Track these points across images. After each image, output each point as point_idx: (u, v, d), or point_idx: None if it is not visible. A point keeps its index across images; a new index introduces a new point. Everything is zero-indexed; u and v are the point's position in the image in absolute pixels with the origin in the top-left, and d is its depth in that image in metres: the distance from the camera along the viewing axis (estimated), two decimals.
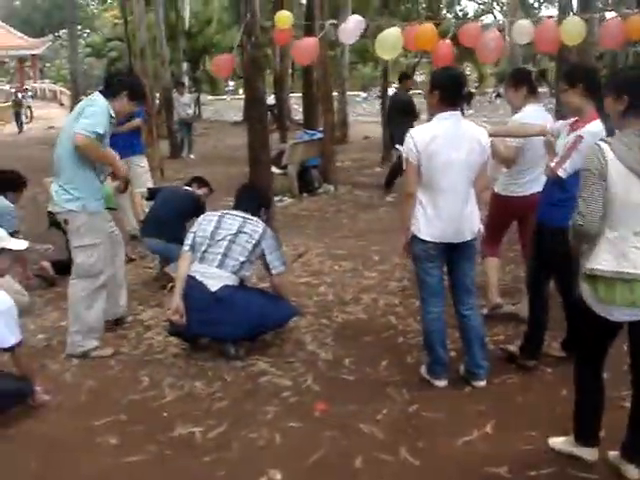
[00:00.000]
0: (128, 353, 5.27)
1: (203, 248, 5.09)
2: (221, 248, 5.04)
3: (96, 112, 4.93)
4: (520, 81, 5.43)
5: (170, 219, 6.64)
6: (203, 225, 5.22)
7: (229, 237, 5.07)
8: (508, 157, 5.28)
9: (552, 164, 4.27)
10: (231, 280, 5.03)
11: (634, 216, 3.15)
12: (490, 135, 4.59)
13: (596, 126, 4.24)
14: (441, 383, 4.53)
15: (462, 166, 4.26)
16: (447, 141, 4.21)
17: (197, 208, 6.64)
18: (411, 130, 4.38)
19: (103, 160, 5.07)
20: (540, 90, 5.67)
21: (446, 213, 4.28)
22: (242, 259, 5.05)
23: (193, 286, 4.99)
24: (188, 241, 5.17)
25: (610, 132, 4.27)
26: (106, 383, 4.76)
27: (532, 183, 5.18)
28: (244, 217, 5.20)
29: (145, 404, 4.45)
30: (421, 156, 4.21)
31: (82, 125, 4.83)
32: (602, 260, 3.18)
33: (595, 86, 4.35)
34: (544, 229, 4.52)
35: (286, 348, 5.25)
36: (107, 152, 5.08)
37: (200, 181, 7.24)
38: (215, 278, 4.99)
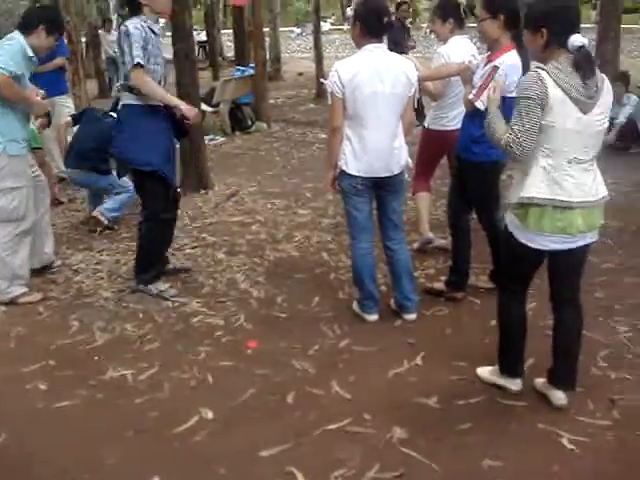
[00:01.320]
0: (57, 298, 5.18)
1: None
2: None
3: (10, 50, 4.73)
4: (448, 13, 5.37)
5: (90, 149, 6.49)
6: None
7: None
8: (435, 91, 5.28)
9: (470, 96, 4.28)
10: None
11: (569, 144, 3.14)
12: (421, 79, 4.59)
13: (512, 56, 4.26)
14: (372, 317, 4.58)
15: (388, 99, 4.21)
16: (372, 73, 4.15)
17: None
18: (336, 63, 4.32)
19: (19, 99, 4.86)
20: (467, 23, 5.63)
21: (373, 147, 4.25)
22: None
23: None
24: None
25: (525, 64, 4.31)
26: (35, 329, 4.67)
27: (459, 117, 5.20)
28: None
29: (75, 348, 4.39)
30: (345, 89, 4.15)
31: None
32: (536, 188, 3.18)
33: (515, 18, 4.33)
34: (464, 164, 4.56)
35: (218, 288, 5.23)
36: (22, 91, 4.87)
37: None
38: None
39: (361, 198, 4.39)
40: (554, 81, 3.07)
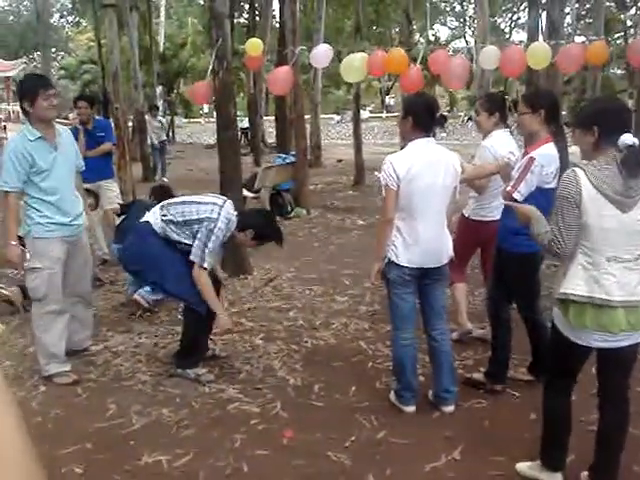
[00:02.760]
0: (96, 380, 5.22)
1: None
2: None
3: (4, 160, 4.96)
4: (495, 107, 5.42)
5: None
6: None
7: None
8: (480, 185, 5.33)
9: (508, 188, 4.33)
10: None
11: (607, 242, 3.15)
12: (465, 180, 4.67)
13: (549, 148, 4.33)
14: (410, 409, 4.53)
15: (440, 191, 4.29)
16: (425, 167, 4.23)
17: None
18: (389, 156, 4.38)
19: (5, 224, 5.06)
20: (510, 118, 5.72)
21: (424, 238, 4.29)
22: (178, 219, 5.04)
23: None
24: None
25: (562, 157, 4.37)
26: (73, 411, 4.71)
27: (500, 208, 5.24)
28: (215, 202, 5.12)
29: (112, 432, 4.40)
30: (401, 182, 4.22)
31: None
32: (575, 285, 3.19)
33: (555, 113, 4.43)
34: (504, 255, 4.58)
35: (255, 374, 5.22)
36: (12, 216, 5.04)
37: (162, 189, 7.27)
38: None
39: (408, 289, 4.41)
40: (589, 180, 3.10)
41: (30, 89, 4.98)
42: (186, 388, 4.97)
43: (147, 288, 6.65)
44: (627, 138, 3.10)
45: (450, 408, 4.54)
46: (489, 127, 5.44)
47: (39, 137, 4.98)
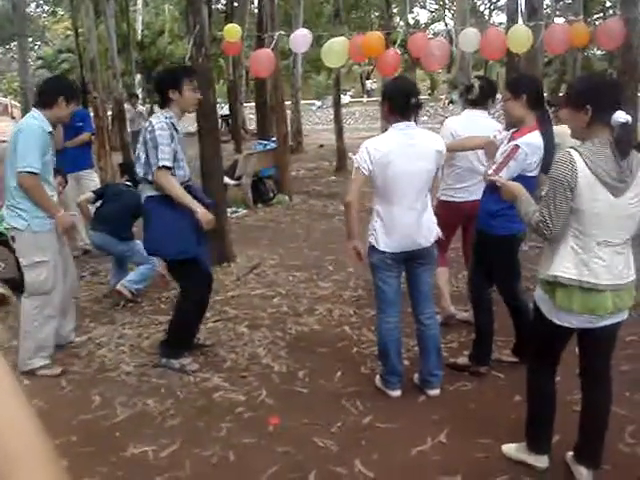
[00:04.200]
0: (79, 372, 5.18)
1: None
2: None
3: (28, 144, 4.87)
4: (462, 93, 5.55)
5: (113, 214, 6.61)
6: None
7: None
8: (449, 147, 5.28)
9: (489, 171, 4.32)
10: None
11: (598, 226, 3.13)
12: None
13: (534, 137, 4.31)
14: (395, 393, 4.54)
15: (420, 176, 4.27)
16: (402, 151, 4.20)
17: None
18: (366, 141, 4.37)
19: (41, 204, 4.98)
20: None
21: (403, 223, 4.28)
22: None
23: None
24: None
25: (548, 144, 4.37)
26: (57, 403, 4.67)
27: (476, 187, 5.26)
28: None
29: (96, 424, 4.38)
30: (375, 167, 4.20)
31: (22, 164, 4.84)
32: (564, 268, 3.17)
33: (538, 97, 4.43)
34: (484, 238, 4.58)
35: (240, 362, 5.21)
36: (47, 196, 5.01)
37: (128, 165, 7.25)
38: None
39: (391, 272, 4.40)
40: (585, 163, 3.05)
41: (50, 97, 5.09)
42: (171, 378, 4.95)
43: (129, 278, 6.62)
44: (620, 115, 3.05)
45: (436, 391, 4.55)
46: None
47: (51, 131, 5.05)
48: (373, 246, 4.36)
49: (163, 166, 4.76)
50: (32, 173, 4.86)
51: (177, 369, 5.05)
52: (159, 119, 4.87)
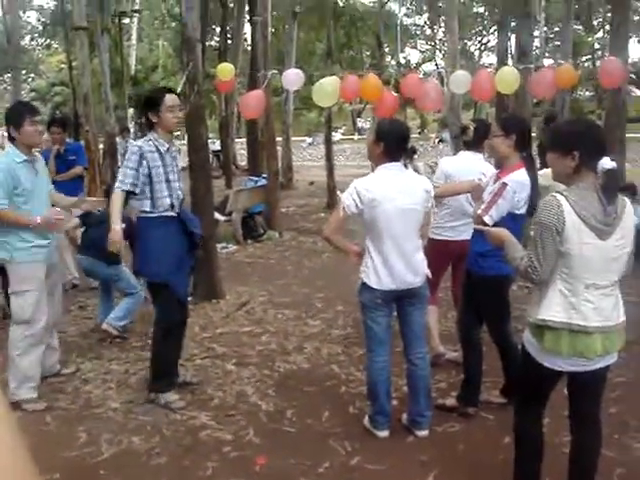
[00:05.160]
0: (65, 407, 5.13)
1: None
2: None
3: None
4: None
5: (100, 239, 6.52)
6: None
7: None
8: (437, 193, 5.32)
9: (479, 211, 4.35)
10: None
11: (586, 269, 3.13)
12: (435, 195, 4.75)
13: (521, 174, 4.36)
14: (383, 434, 4.51)
15: (409, 215, 4.29)
16: (392, 191, 4.23)
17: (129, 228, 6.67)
18: (356, 180, 4.38)
19: (17, 224, 5.01)
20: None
21: (393, 261, 4.29)
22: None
23: None
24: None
25: (534, 184, 4.41)
26: (41, 439, 4.61)
27: (466, 227, 5.31)
28: None
29: (82, 461, 4.32)
30: (365, 208, 4.23)
31: None
32: (553, 311, 3.17)
33: (526, 139, 4.49)
34: (473, 278, 4.59)
35: (228, 400, 5.17)
36: (18, 216, 5.00)
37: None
38: None
39: (380, 312, 4.39)
40: (572, 207, 3.06)
41: (17, 115, 5.07)
42: (157, 415, 4.91)
43: (114, 314, 6.58)
44: (606, 162, 3.08)
45: (424, 432, 4.52)
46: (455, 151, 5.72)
47: (25, 159, 5.05)
48: (365, 284, 4.36)
49: (118, 187, 4.93)
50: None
51: (162, 405, 5.00)
52: (138, 142, 5.05)
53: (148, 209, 5.01)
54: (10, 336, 5.18)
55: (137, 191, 4.95)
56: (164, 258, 4.96)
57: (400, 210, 4.24)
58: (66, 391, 5.43)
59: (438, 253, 5.43)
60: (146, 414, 4.94)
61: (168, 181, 5.03)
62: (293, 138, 23.96)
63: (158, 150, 4.97)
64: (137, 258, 5.18)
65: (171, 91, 5.14)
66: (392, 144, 4.32)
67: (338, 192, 4.04)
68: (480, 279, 4.52)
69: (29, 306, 5.08)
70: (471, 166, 5.38)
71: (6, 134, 5.17)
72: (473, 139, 5.54)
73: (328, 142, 17.90)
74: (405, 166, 4.46)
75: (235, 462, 4.26)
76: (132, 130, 25.77)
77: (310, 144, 43.39)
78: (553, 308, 3.18)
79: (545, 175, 4.83)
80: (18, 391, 5.08)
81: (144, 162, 4.92)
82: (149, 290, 5.36)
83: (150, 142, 4.98)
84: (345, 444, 4.43)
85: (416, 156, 12.46)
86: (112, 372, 5.78)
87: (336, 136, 35.55)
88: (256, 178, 14.18)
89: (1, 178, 4.93)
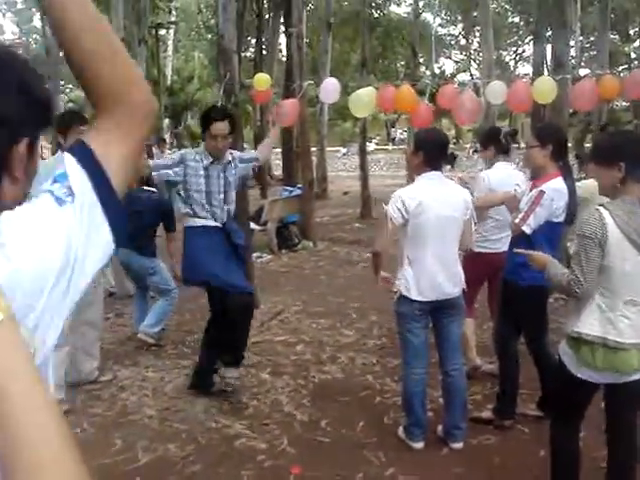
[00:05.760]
0: (101, 414, 5.18)
1: None
2: None
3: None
4: (488, 141, 5.69)
5: (133, 228, 6.34)
6: None
7: None
8: (479, 213, 5.29)
9: (516, 220, 4.32)
10: None
11: (626, 285, 3.10)
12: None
13: (558, 182, 4.33)
14: (418, 445, 4.49)
15: (450, 224, 4.32)
16: (434, 200, 4.25)
17: (163, 214, 6.79)
18: (399, 190, 4.40)
19: None
20: (513, 147, 5.81)
21: (434, 271, 4.30)
22: None
23: None
24: None
25: (571, 192, 4.37)
26: (78, 445, 4.64)
27: (504, 240, 5.29)
28: None
29: (117, 468, 4.36)
30: (410, 216, 4.24)
31: None
32: (589, 325, 3.14)
33: (563, 148, 4.46)
34: (512, 288, 4.54)
35: (262, 409, 5.18)
36: None
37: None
38: None
39: (418, 323, 4.38)
40: (614, 221, 3.04)
41: (66, 123, 5.15)
42: (192, 423, 4.94)
43: (147, 322, 6.64)
44: None
45: (459, 445, 4.49)
46: (489, 158, 5.69)
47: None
48: (403, 295, 4.35)
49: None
50: None
51: (220, 376, 5.36)
52: (187, 149, 5.54)
53: (190, 218, 5.21)
54: None
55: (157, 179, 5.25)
56: (203, 263, 5.09)
57: (443, 219, 4.27)
58: (103, 398, 5.48)
59: (479, 265, 5.41)
60: (182, 422, 4.97)
61: (209, 192, 5.14)
62: (328, 148, 24.00)
63: (202, 161, 5.13)
64: (184, 267, 5.33)
65: (223, 118, 5.10)
66: (431, 153, 4.34)
67: (383, 204, 4.05)
68: (519, 289, 4.47)
69: None
70: (509, 177, 5.37)
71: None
72: (504, 148, 5.56)
73: (362, 152, 17.91)
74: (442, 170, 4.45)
75: (269, 471, 4.27)
76: (168, 141, 26.02)
77: (344, 154, 43.44)
78: (590, 322, 3.15)
79: (585, 186, 4.79)
80: None
81: (181, 165, 5.09)
82: (208, 300, 5.47)
83: (196, 153, 5.17)
84: (379, 454, 4.42)
85: (449, 167, 12.39)
86: (148, 379, 5.83)
87: (370, 146, 35.56)
88: (291, 188, 14.22)
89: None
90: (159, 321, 6.70)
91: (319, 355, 6.41)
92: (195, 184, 5.11)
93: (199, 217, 5.16)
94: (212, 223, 5.17)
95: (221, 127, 5.05)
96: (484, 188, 5.40)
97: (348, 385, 5.66)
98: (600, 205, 3.14)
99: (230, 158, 5.26)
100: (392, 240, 4.42)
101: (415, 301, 4.32)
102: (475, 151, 36.70)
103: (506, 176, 5.41)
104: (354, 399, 5.36)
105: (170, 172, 5.10)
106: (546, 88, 7.07)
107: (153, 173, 5.13)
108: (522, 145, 5.88)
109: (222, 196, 5.20)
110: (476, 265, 5.49)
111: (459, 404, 4.51)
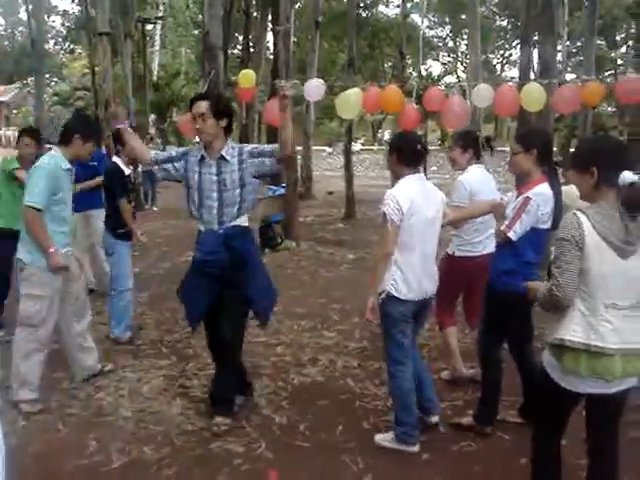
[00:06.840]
0: (77, 414, 5.09)
1: None
2: None
3: (36, 180, 5.05)
4: (468, 144, 5.55)
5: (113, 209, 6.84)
6: None
7: None
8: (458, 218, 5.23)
9: (502, 227, 4.29)
10: None
11: (605, 288, 3.07)
12: (452, 222, 4.82)
13: (544, 188, 4.30)
14: (415, 448, 4.45)
15: (435, 224, 4.43)
16: (423, 201, 4.33)
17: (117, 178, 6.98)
18: (391, 191, 4.39)
19: (37, 239, 5.06)
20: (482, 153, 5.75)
21: (419, 271, 4.36)
22: None
23: None
24: None
25: (557, 198, 4.34)
26: (52, 446, 4.57)
27: (485, 242, 5.26)
28: None
29: (91, 470, 4.27)
30: (403, 217, 4.26)
31: (26, 198, 5.03)
32: (571, 331, 3.10)
33: (548, 153, 4.43)
34: (496, 295, 4.49)
35: (240, 412, 5.10)
36: (44, 234, 5.05)
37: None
38: None
39: (409, 323, 4.44)
40: (592, 225, 3.02)
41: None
42: (168, 425, 4.85)
43: (113, 324, 6.74)
44: (627, 176, 3.00)
45: (435, 418, 4.69)
46: (463, 163, 5.54)
47: (69, 168, 5.22)
48: (393, 296, 4.33)
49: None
50: (33, 208, 4.99)
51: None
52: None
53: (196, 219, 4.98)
54: (15, 338, 5.22)
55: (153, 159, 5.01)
56: (195, 304, 5.00)
57: (429, 220, 4.37)
58: (79, 398, 5.38)
59: (462, 269, 5.38)
60: (157, 423, 4.89)
61: (201, 190, 4.80)
62: (313, 147, 23.96)
63: (197, 156, 4.85)
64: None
65: (202, 98, 4.88)
66: (403, 153, 4.42)
67: (380, 207, 4.03)
68: (503, 296, 4.42)
69: (39, 312, 5.12)
70: (487, 179, 5.39)
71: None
72: (480, 152, 5.56)
73: (348, 153, 17.89)
74: (424, 171, 4.50)
75: (246, 475, 4.20)
76: (153, 136, 25.84)
77: (330, 154, 43.46)
78: (572, 328, 3.11)
79: (566, 192, 4.75)
80: (17, 391, 5.14)
81: (184, 157, 4.91)
82: None
83: (197, 149, 4.91)
84: (358, 460, 4.35)
85: (435, 167, 12.36)
86: (125, 380, 5.74)
87: (356, 146, 35.59)
88: (275, 187, 14.16)
89: (48, 179, 5.03)
90: (121, 319, 6.74)
91: (299, 357, 6.34)
92: (191, 179, 4.83)
93: (197, 218, 4.88)
94: (209, 227, 4.81)
95: (198, 106, 4.76)
96: (464, 194, 5.31)
97: (328, 388, 5.60)
98: (578, 210, 3.12)
99: (225, 153, 4.76)
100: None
101: (408, 301, 4.35)
102: (450, 159, 36.77)
103: (483, 178, 5.45)
104: (334, 402, 5.30)
105: (170, 167, 4.91)
106: (535, 95, 7.05)
107: (154, 167, 4.95)
108: (506, 149, 5.83)
109: (216, 195, 4.75)
110: (458, 269, 5.45)
111: (427, 381, 4.70)
